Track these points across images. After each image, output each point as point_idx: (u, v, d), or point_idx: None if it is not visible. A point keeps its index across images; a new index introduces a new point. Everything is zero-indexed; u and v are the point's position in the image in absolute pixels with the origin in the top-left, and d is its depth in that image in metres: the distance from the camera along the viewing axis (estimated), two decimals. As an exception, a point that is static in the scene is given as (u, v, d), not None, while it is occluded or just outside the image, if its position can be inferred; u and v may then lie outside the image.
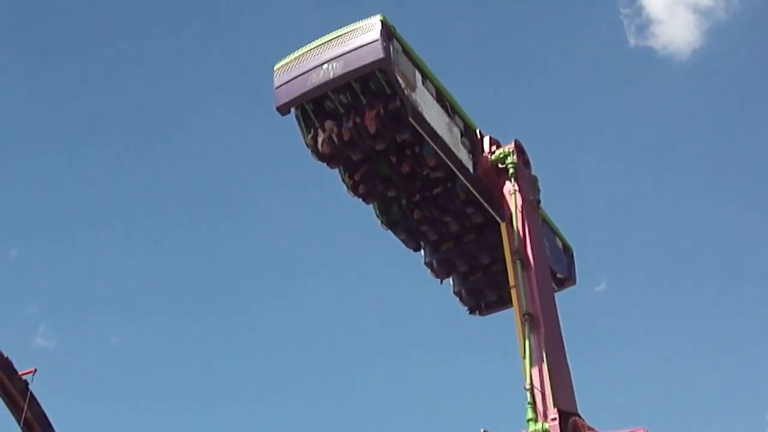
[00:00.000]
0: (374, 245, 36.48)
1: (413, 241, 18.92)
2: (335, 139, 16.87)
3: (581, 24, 44.32)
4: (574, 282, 20.20)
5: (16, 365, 20.54)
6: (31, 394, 20.59)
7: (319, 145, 17.00)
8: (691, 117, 43.18)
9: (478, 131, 18.20)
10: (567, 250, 20.17)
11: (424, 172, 17.74)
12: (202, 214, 44.44)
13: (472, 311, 19.65)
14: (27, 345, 38.98)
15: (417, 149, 17.38)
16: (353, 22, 16.52)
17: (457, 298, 19.56)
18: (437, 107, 17.17)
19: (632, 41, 43.69)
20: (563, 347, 16.72)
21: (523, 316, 16.41)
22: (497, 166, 18.02)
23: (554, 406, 15.42)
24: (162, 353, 42.76)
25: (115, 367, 41.94)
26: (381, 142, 16.99)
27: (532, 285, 16.82)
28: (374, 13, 16.34)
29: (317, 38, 16.84)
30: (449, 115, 17.49)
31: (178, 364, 42.45)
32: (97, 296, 43.46)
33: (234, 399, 41.30)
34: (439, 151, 17.00)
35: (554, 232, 19.79)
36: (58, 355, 41.66)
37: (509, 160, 17.94)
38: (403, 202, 18.36)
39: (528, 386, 15.66)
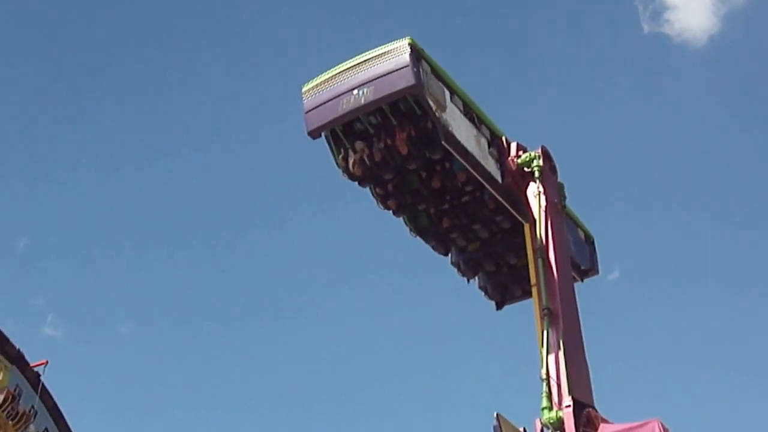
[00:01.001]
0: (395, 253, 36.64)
1: (442, 247, 19.25)
2: (366, 161, 17.20)
3: (594, 11, 43.84)
4: (597, 272, 20.30)
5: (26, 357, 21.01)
6: (43, 385, 21.12)
7: (351, 167, 17.33)
8: (708, 105, 42.75)
9: (504, 138, 18.50)
10: (588, 239, 20.29)
11: (454, 185, 18.02)
12: (217, 220, 44.51)
13: (498, 306, 19.84)
14: (35, 335, 39.39)
15: (447, 165, 17.71)
16: (378, 37, 16.94)
17: (483, 293, 19.79)
18: (465, 122, 17.42)
19: (646, 28, 43.20)
20: (582, 342, 17.00)
21: (543, 310, 16.76)
22: (523, 169, 18.34)
23: (569, 394, 15.76)
24: (172, 343, 42.89)
25: (125, 355, 42.60)
26: (413, 162, 17.35)
27: (553, 283, 17.14)
28: (398, 28, 16.79)
29: (344, 58, 17.04)
30: (476, 126, 17.74)
31: (188, 357, 42.47)
32: (105, 285, 44.42)
33: (243, 389, 41.43)
34: (469, 167, 17.32)
35: (576, 224, 19.97)
36: (67, 344, 42.04)
37: (535, 163, 18.28)
38: (432, 211, 18.64)
39: (544, 376, 15.97)
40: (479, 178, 17.56)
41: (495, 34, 44.31)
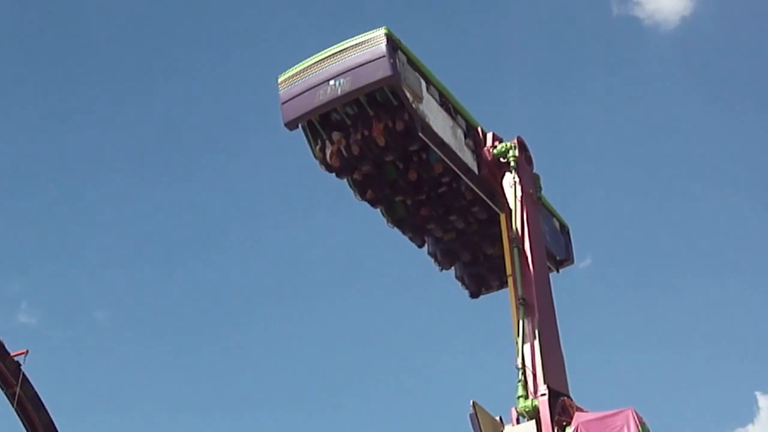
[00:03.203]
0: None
1: (419, 238, 19.31)
2: (344, 152, 17.22)
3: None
4: (572, 261, 20.40)
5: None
6: (24, 375, 20.66)
7: (328, 158, 17.34)
8: (680, 88, 42.01)
9: (480, 129, 18.51)
10: (564, 228, 20.38)
11: (431, 176, 18.08)
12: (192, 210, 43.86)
13: (473, 296, 19.94)
14: (9, 322, 38.75)
15: (423, 156, 17.77)
16: (354, 27, 16.91)
17: (459, 283, 19.86)
18: (442, 112, 17.44)
19: (615, 10, 42.41)
20: (557, 332, 17.13)
21: (519, 300, 16.83)
22: (499, 160, 18.34)
23: (545, 383, 15.87)
24: (150, 328, 42.30)
25: (102, 342, 41.74)
26: (390, 154, 17.40)
27: (528, 274, 17.23)
28: (374, 18, 16.74)
29: (320, 49, 17.03)
30: (452, 117, 17.74)
31: (168, 338, 42.09)
32: (79, 271, 43.02)
33: (222, 372, 41.13)
34: (446, 159, 17.36)
35: (552, 213, 20.03)
36: (42, 331, 41.26)
37: (511, 153, 18.30)
38: (409, 202, 18.66)
39: (519, 365, 16.09)
40: (456, 169, 17.61)
41: (462, 21, 43.85)
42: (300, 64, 17.13)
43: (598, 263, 38.88)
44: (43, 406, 21.59)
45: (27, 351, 20.82)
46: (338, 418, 38.85)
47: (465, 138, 17.99)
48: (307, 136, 17.36)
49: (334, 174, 17.68)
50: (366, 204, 18.46)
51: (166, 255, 43.93)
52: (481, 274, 19.70)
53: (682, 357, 38.83)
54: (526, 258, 17.49)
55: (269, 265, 42.59)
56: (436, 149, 17.12)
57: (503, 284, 18.79)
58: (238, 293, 42.81)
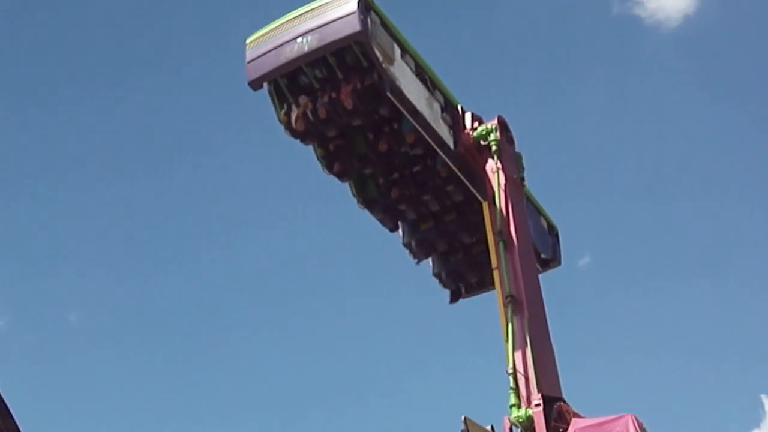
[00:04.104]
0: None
1: (390, 221, 18.34)
2: (310, 116, 16.41)
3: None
4: (559, 263, 19.64)
5: None
6: None
7: (293, 122, 16.50)
8: (683, 87, 40.63)
9: (459, 107, 17.62)
10: (552, 230, 19.60)
11: (403, 149, 17.26)
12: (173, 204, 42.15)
13: (453, 298, 19.00)
14: None
15: (395, 126, 16.96)
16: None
17: (437, 280, 18.93)
18: (417, 82, 16.63)
19: (615, 9, 41.34)
20: (548, 330, 16.13)
21: (506, 298, 15.80)
22: (479, 143, 17.40)
23: (538, 391, 14.86)
24: (127, 330, 40.62)
25: (76, 345, 39.98)
26: (358, 118, 16.55)
27: (515, 267, 16.22)
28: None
29: (291, 10, 16.30)
30: (429, 90, 16.94)
31: (147, 341, 40.65)
32: (52, 269, 40.84)
33: (203, 377, 39.99)
34: (419, 127, 16.49)
35: (539, 212, 19.23)
36: (10, 334, 39.60)
37: (492, 137, 17.32)
38: (381, 180, 17.85)
39: (510, 370, 15.07)
40: (429, 139, 16.71)
41: (457, 17, 42.61)
42: (269, 24, 16.38)
43: (597, 261, 38.05)
44: (9, 413, 20.93)
45: None
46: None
47: (442, 112, 17.10)
48: (272, 99, 16.52)
49: (298, 140, 16.81)
50: (339, 183, 17.61)
51: (144, 254, 41.96)
52: (459, 271, 18.75)
53: (686, 359, 37.36)
54: (513, 251, 16.43)
55: (252, 268, 40.99)
56: (407, 114, 16.22)
57: (484, 284, 18.26)
58: (220, 295, 41.26)
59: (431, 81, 17.04)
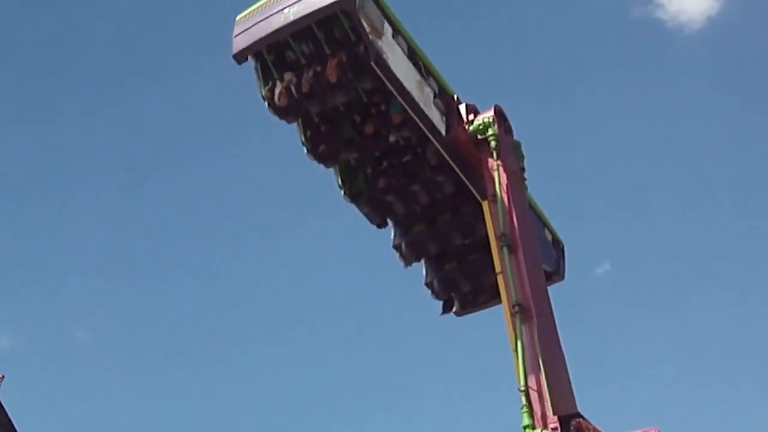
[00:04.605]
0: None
1: (378, 215, 17.30)
2: (293, 91, 15.67)
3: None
4: (562, 277, 18.50)
5: None
6: None
7: (276, 98, 15.77)
8: (709, 92, 39.44)
9: (455, 97, 16.68)
10: (557, 244, 18.48)
11: (390, 136, 16.46)
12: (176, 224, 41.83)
13: (445, 308, 17.86)
14: None
15: (383, 107, 16.27)
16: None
17: (428, 291, 17.78)
18: (408, 63, 15.88)
19: (635, 13, 40.29)
20: (558, 340, 14.98)
21: (513, 307, 14.71)
22: (476, 137, 16.39)
23: (553, 412, 13.71)
24: (134, 347, 40.35)
25: (84, 363, 39.72)
26: (342, 93, 15.81)
27: (521, 272, 15.11)
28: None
29: None
30: (422, 75, 16.12)
31: (154, 355, 40.13)
32: (59, 288, 41.01)
33: (208, 393, 39.25)
34: (406, 106, 15.69)
35: (543, 223, 18.14)
36: (20, 353, 39.30)
37: (490, 131, 16.30)
38: (369, 170, 16.98)
39: (522, 388, 13.96)
40: (417, 119, 15.86)
41: (472, 12, 41.60)
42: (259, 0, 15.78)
43: (617, 269, 36.87)
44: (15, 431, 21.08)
45: (2, 377, 20.99)
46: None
47: (434, 98, 16.24)
48: (258, 75, 15.87)
49: (281, 117, 16.03)
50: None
51: (150, 271, 41.91)
52: (452, 278, 17.61)
53: (710, 371, 36.30)
54: (517, 255, 15.30)
55: (261, 280, 40.46)
56: (391, 87, 15.45)
57: (478, 295, 17.47)
58: (225, 311, 40.73)
59: (425, 67, 16.26)
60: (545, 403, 13.82)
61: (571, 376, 14.79)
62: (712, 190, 38.84)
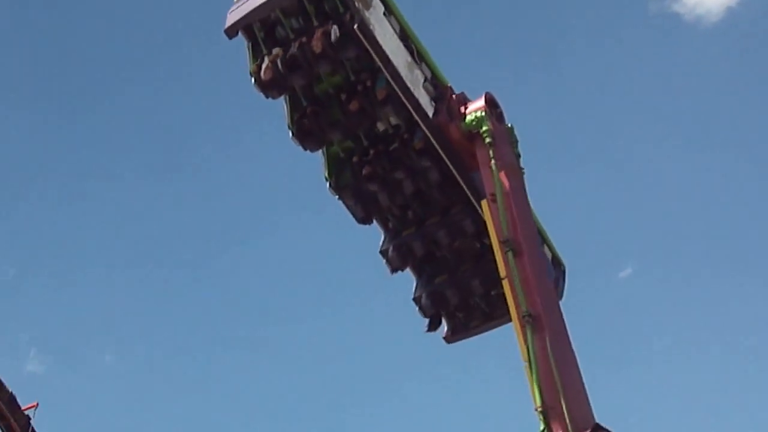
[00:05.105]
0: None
1: (362, 209, 16.75)
2: (279, 64, 15.53)
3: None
4: (560, 298, 17.32)
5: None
6: (33, 429, 21.52)
7: (262, 72, 15.62)
8: (726, 87, 38.50)
9: (450, 87, 16.26)
10: (558, 264, 17.76)
11: (378, 122, 16.19)
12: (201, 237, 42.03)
13: (431, 326, 16.97)
14: (18, 372, 37.57)
15: (369, 83, 15.88)
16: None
17: (416, 306, 16.89)
18: (398, 42, 15.61)
19: (652, 8, 39.54)
20: (571, 348, 14.64)
21: (523, 317, 14.35)
22: (470, 132, 15.88)
23: (574, 428, 13.43)
24: (161, 368, 40.98)
25: (111, 386, 40.48)
26: (326, 64, 15.54)
27: (527, 277, 14.70)
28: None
29: None
30: (414, 58, 15.79)
31: (178, 374, 40.45)
32: (86, 313, 42.01)
33: (235, 413, 39.33)
34: (391, 80, 15.36)
35: (543, 240, 17.43)
36: (50, 379, 40.26)
37: (485, 127, 15.75)
38: (356, 159, 16.54)
39: (539, 407, 13.69)
40: (401, 95, 15.48)
41: (485, 9, 40.83)
42: None
43: (640, 272, 36.41)
44: None
45: (37, 404, 21.83)
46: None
47: (425, 82, 15.88)
48: (249, 52, 15.83)
49: (266, 93, 15.86)
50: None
51: (175, 295, 42.76)
52: (441, 291, 16.77)
53: (738, 374, 35.67)
54: (522, 260, 14.87)
55: (280, 300, 40.06)
56: (376, 59, 15.20)
57: (465, 306, 16.69)
58: (249, 334, 40.50)
59: (418, 53, 15.97)
60: (565, 422, 13.57)
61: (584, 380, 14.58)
62: (734, 188, 38.25)
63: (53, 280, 42.30)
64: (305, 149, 16.42)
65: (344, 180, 16.68)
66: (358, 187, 16.58)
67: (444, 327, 17.04)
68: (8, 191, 42.57)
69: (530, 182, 15.97)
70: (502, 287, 15.20)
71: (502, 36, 41.04)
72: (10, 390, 21.42)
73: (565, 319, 14.94)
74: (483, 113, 15.84)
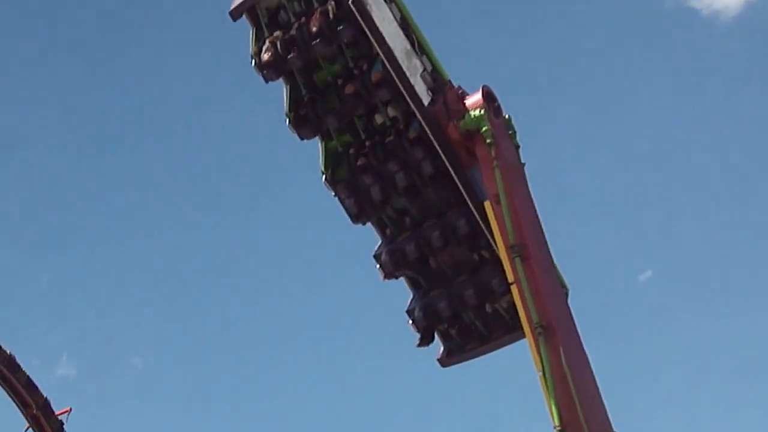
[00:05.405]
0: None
1: (355, 203, 16.19)
2: (278, 46, 15.57)
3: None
4: None
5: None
6: None
7: (262, 54, 15.69)
8: (745, 85, 37.42)
9: (449, 81, 15.89)
10: (561, 287, 16.55)
11: (379, 120, 15.84)
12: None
13: (422, 341, 16.09)
14: (49, 375, 37.00)
15: (365, 67, 15.65)
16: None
17: (408, 320, 16.08)
18: (397, 29, 15.50)
19: (669, 4, 38.77)
20: (586, 357, 14.32)
21: (535, 329, 13.96)
22: (467, 132, 15.33)
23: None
24: (190, 372, 40.77)
25: (140, 389, 40.45)
26: (323, 45, 15.33)
27: (536, 284, 14.31)
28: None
29: None
30: (414, 48, 15.60)
31: (208, 381, 40.49)
32: (115, 317, 41.52)
33: (268, 416, 39.19)
34: (385, 60, 15.14)
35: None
36: (80, 383, 39.95)
37: (484, 126, 15.21)
38: (351, 151, 16.16)
39: (558, 426, 13.36)
40: (395, 78, 15.20)
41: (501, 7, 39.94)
42: None
43: (660, 275, 35.55)
44: None
45: (71, 409, 21.83)
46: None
47: (423, 71, 15.63)
48: (252, 37, 15.92)
49: (264, 75, 15.81)
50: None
51: (204, 297, 42.22)
52: (433, 304, 15.94)
53: (763, 380, 34.82)
54: (530, 265, 14.45)
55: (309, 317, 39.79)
56: (372, 39, 15.07)
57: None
58: (280, 336, 40.72)
59: (419, 44, 15.77)
60: (587, 438, 13.27)
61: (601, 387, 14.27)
62: (756, 188, 37.30)
63: (84, 281, 42.71)
64: (301, 138, 16.15)
65: (340, 175, 16.29)
66: (353, 181, 16.16)
67: (440, 348, 16.31)
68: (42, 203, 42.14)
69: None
70: (496, 300, 15.08)
71: (515, 31, 40.32)
72: (44, 395, 21.58)
73: (578, 325, 14.58)
74: (482, 111, 15.30)
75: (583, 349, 14.35)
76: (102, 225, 43.35)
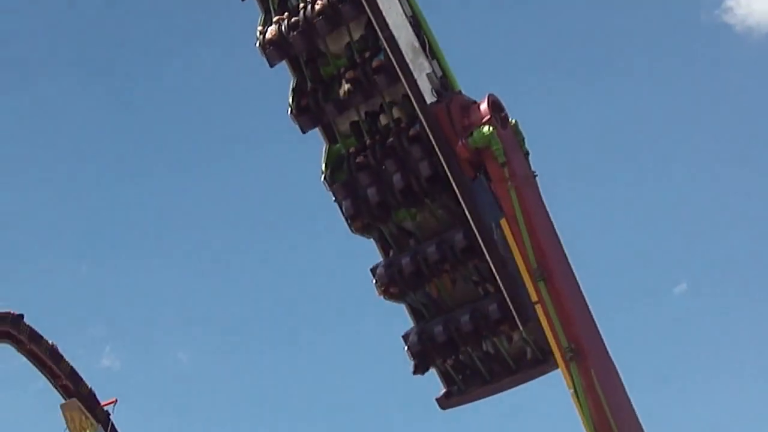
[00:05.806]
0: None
1: (353, 206, 15.91)
2: (283, 26, 15.75)
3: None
4: None
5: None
6: (112, 424, 21.92)
7: (268, 33, 15.88)
8: None
9: (459, 91, 15.63)
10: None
11: (383, 121, 15.77)
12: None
13: (417, 368, 15.68)
14: (93, 366, 37.22)
15: (367, 55, 15.72)
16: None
17: (404, 346, 15.71)
18: (405, 23, 15.61)
19: (703, 17, 38.61)
20: (618, 375, 14.22)
21: (565, 351, 13.83)
22: (477, 149, 15.02)
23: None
24: (232, 366, 41.09)
25: (186, 383, 40.73)
26: (326, 21, 15.55)
27: (563, 306, 14.15)
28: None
29: None
30: (423, 49, 15.54)
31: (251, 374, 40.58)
32: (161, 311, 42.27)
33: (308, 410, 39.20)
34: (387, 47, 15.10)
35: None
36: (125, 374, 40.18)
37: (495, 145, 14.88)
38: (352, 150, 15.99)
39: (595, 450, 13.30)
40: (395, 65, 15.10)
41: (531, 19, 40.26)
42: None
43: (695, 288, 35.29)
44: None
45: (116, 400, 22.07)
46: None
47: (430, 72, 15.48)
48: (262, 20, 16.11)
49: (267, 56, 15.95)
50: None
51: (243, 295, 42.63)
52: (429, 329, 15.59)
53: None
54: (554, 284, 14.28)
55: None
56: (375, 23, 15.11)
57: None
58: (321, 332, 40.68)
59: (431, 48, 15.69)
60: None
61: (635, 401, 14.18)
62: None
63: (128, 276, 42.87)
64: (302, 131, 16.02)
65: (339, 178, 16.04)
66: (351, 183, 15.90)
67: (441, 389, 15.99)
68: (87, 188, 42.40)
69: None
70: (492, 328, 14.85)
71: (550, 45, 40.65)
72: (89, 386, 21.83)
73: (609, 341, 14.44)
74: (491, 129, 14.95)
75: (615, 369, 14.25)
76: (143, 213, 44.33)
